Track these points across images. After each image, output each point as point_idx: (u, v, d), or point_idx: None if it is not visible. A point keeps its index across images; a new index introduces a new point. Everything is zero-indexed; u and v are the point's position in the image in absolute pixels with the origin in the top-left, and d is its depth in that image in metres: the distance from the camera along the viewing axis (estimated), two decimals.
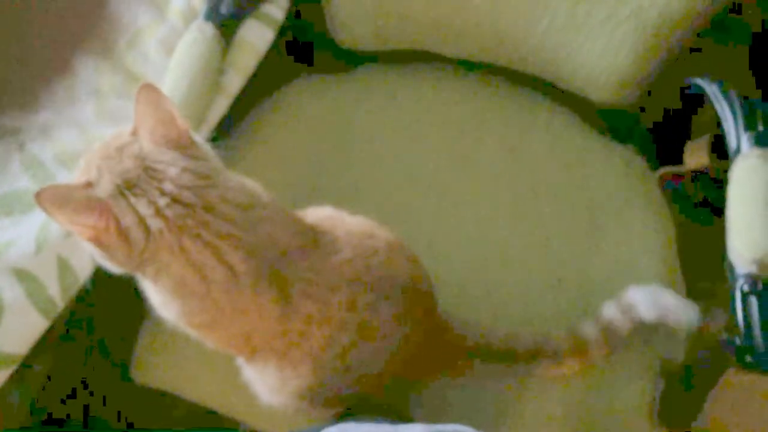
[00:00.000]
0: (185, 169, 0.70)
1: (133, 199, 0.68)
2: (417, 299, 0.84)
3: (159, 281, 0.72)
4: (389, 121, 1.15)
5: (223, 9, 1.03)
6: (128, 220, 0.68)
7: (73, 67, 1.11)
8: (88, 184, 0.69)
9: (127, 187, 0.68)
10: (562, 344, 0.92)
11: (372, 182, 1.08)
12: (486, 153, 1.12)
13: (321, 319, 0.76)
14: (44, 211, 0.66)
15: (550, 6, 1.04)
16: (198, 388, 0.97)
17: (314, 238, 0.78)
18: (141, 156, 0.70)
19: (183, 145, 0.72)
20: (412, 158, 1.11)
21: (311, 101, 1.17)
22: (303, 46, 1.22)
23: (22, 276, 0.88)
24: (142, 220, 0.68)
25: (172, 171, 0.69)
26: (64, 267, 0.90)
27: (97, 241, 0.69)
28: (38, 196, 0.65)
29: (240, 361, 0.87)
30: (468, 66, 1.20)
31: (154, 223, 0.68)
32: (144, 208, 0.68)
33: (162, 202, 0.68)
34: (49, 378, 1.07)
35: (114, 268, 0.73)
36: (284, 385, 0.83)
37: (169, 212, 0.68)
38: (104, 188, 0.68)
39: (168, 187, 0.69)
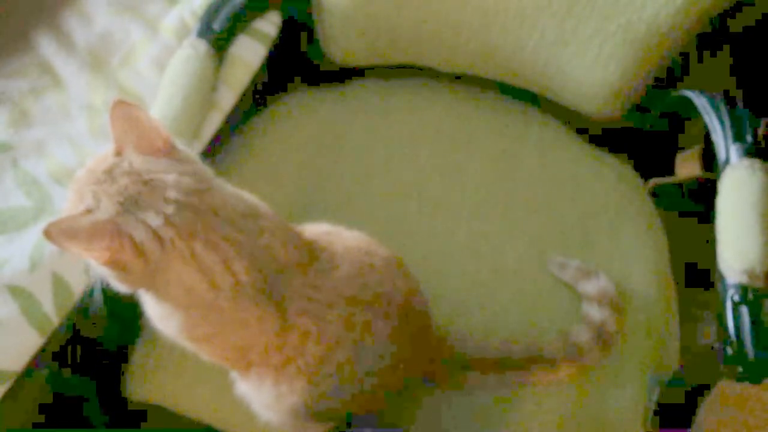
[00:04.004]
0: (183, 174, 0.70)
1: (140, 214, 0.67)
2: (413, 316, 0.84)
3: (167, 293, 0.72)
4: (382, 135, 1.15)
5: (216, 26, 1.04)
6: (140, 234, 0.67)
7: (61, 77, 1.11)
8: (88, 211, 0.68)
9: (130, 204, 0.68)
10: (556, 351, 0.93)
11: (365, 196, 1.09)
12: (478, 166, 1.13)
13: (317, 336, 0.76)
14: (57, 246, 0.66)
15: (539, 22, 1.05)
16: (194, 404, 0.96)
17: (312, 253, 0.78)
18: (134, 171, 0.69)
19: (169, 152, 0.71)
20: (404, 172, 1.11)
21: (304, 115, 1.17)
22: (295, 61, 1.23)
23: (17, 293, 0.88)
24: (153, 232, 0.68)
25: (171, 178, 0.69)
26: (58, 283, 0.90)
27: (114, 263, 0.68)
28: (47, 233, 0.64)
29: (234, 374, 0.87)
30: (460, 79, 1.20)
31: (166, 233, 0.68)
32: (153, 220, 0.67)
33: (169, 210, 0.68)
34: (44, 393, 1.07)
35: (127, 288, 0.73)
36: (279, 401, 0.83)
37: (177, 219, 0.68)
38: (107, 210, 0.67)
39: (172, 194, 0.68)
